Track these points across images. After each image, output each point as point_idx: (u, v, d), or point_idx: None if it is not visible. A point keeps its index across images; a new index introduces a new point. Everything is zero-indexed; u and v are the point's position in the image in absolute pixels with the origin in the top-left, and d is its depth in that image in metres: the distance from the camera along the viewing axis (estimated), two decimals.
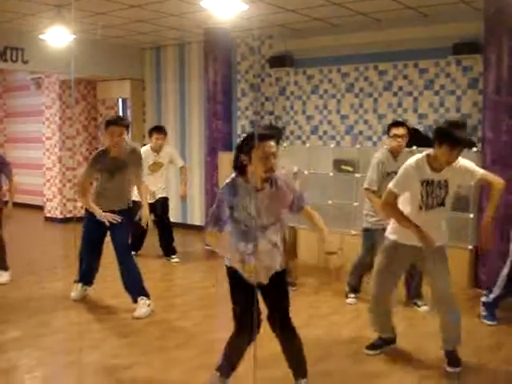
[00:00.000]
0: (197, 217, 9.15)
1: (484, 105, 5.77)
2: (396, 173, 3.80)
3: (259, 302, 3.18)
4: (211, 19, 6.85)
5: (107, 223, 4.82)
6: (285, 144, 7.19)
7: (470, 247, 5.87)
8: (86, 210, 5.05)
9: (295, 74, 7.94)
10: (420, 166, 3.61)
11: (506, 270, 4.67)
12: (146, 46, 9.33)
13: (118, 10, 6.69)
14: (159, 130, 6.84)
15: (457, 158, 3.53)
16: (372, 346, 4.12)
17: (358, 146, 7.08)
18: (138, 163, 5.07)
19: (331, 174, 6.90)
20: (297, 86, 7.96)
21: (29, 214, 10.74)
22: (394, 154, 4.87)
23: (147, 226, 5.29)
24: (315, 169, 7.01)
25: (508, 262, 4.65)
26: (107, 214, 4.81)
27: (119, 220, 4.82)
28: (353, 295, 5.36)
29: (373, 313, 4.10)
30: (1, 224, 5.82)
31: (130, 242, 5.17)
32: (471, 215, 5.90)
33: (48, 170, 10.17)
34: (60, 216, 9.97)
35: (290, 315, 3.24)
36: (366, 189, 4.90)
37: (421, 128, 6.73)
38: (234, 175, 3.11)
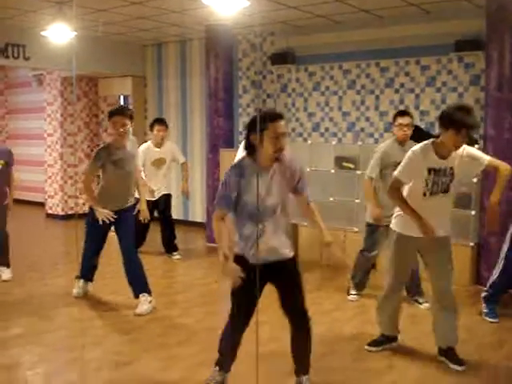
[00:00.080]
0: (198, 214, 9.15)
1: (486, 102, 5.76)
2: None
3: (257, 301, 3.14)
4: (213, 16, 6.83)
5: (106, 220, 4.83)
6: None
7: (472, 244, 5.87)
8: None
9: (297, 70, 7.93)
10: (425, 153, 3.60)
11: (505, 246, 4.73)
12: (147, 42, 9.32)
13: (119, 7, 6.68)
14: (161, 121, 6.85)
15: (464, 140, 3.53)
16: (374, 343, 4.12)
17: (359, 143, 7.07)
18: (136, 154, 5.23)
19: (333, 171, 6.90)
20: (298, 82, 7.95)
21: (30, 211, 10.77)
22: (402, 142, 4.90)
23: (148, 221, 5.32)
24: (317, 166, 7.01)
25: (507, 237, 4.70)
26: (104, 211, 4.83)
27: (112, 220, 4.85)
28: (355, 292, 5.36)
29: (380, 309, 4.10)
30: (5, 221, 5.84)
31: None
32: (473, 212, 5.90)
33: (49, 167, 10.17)
34: (61, 213, 9.98)
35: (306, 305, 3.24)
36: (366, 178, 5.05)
37: (422, 125, 6.72)
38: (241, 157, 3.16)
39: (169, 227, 7.06)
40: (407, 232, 3.77)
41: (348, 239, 6.54)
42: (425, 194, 3.66)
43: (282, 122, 3.07)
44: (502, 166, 3.75)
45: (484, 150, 5.70)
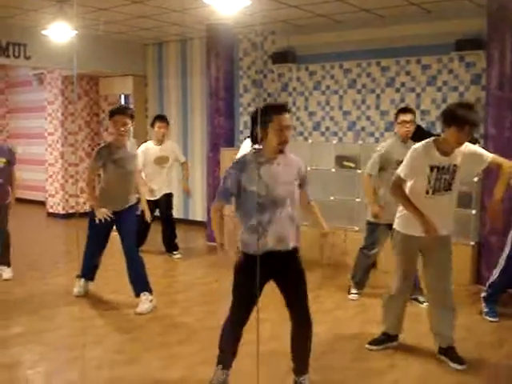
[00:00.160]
0: (199, 213, 9.16)
1: (487, 101, 5.76)
2: None
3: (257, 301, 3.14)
4: (213, 15, 6.83)
5: (103, 219, 4.85)
6: None
7: (472, 243, 5.87)
8: None
9: (297, 70, 7.92)
10: (427, 150, 3.61)
11: (507, 249, 4.70)
12: (148, 41, 9.32)
13: (120, 6, 6.68)
14: (162, 118, 6.86)
15: (466, 137, 3.53)
16: (375, 342, 4.12)
17: (360, 142, 7.07)
18: (136, 154, 5.24)
19: (333, 170, 6.90)
20: (299, 82, 7.95)
21: (31, 210, 10.77)
22: (404, 140, 4.90)
23: (151, 220, 5.35)
24: (317, 165, 7.01)
25: (509, 240, 4.68)
26: (103, 210, 4.84)
27: (108, 219, 4.86)
28: (355, 291, 5.36)
29: (387, 308, 4.09)
30: (7, 220, 5.84)
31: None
32: (473, 211, 5.90)
33: (50, 166, 10.18)
34: (62, 212, 9.99)
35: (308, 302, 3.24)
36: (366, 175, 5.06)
37: (423, 124, 6.71)
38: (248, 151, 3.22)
39: (170, 226, 7.06)
40: (409, 231, 3.77)
41: (348, 238, 6.55)
42: (427, 192, 3.65)
43: (287, 115, 3.11)
44: (506, 163, 3.76)
45: (485, 148, 5.65)
